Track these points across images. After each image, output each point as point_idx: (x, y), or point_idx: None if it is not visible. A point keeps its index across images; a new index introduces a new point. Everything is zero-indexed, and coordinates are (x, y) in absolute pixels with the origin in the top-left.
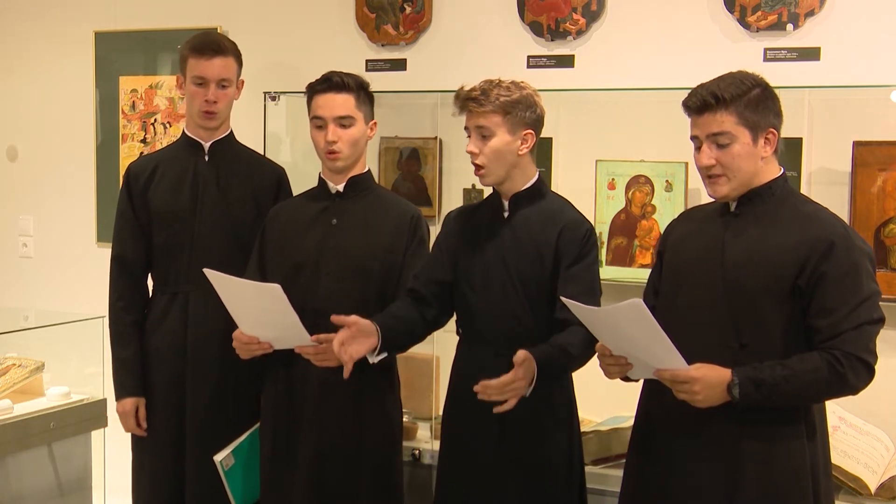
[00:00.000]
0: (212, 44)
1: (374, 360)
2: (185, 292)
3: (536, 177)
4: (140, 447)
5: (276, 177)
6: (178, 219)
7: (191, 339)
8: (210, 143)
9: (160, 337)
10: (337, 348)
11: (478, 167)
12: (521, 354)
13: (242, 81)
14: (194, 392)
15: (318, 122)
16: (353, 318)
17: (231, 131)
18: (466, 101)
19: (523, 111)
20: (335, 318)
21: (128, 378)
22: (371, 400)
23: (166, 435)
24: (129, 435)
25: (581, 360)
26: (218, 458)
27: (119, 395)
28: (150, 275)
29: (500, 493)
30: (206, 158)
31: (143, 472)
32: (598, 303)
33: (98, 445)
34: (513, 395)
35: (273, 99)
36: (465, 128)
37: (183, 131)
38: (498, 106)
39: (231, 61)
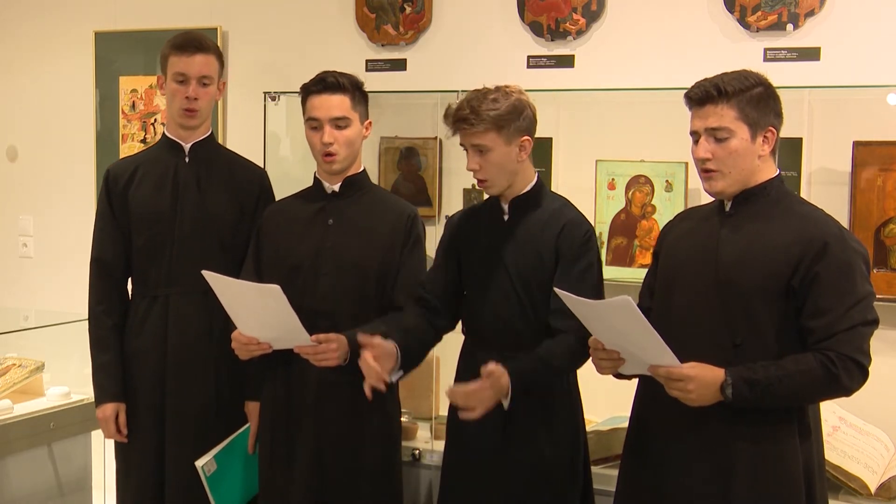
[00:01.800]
0: (193, 41)
1: (393, 378)
2: (166, 295)
3: (536, 179)
4: (123, 452)
5: (258, 178)
6: (159, 220)
7: (171, 342)
8: (191, 144)
9: (141, 341)
10: (377, 368)
11: (481, 181)
12: (489, 367)
13: (224, 83)
14: (176, 396)
15: (313, 124)
16: (378, 339)
17: (211, 132)
18: (457, 122)
19: (516, 120)
20: (362, 339)
21: (108, 383)
22: (370, 400)
23: (148, 440)
24: None
25: (567, 369)
26: (199, 463)
27: (99, 401)
28: (130, 278)
29: (504, 492)
30: (187, 160)
31: (128, 478)
32: None
33: (98, 445)
34: (478, 406)
35: (273, 99)
36: (462, 144)
37: (163, 133)
38: (490, 123)
39: (212, 59)
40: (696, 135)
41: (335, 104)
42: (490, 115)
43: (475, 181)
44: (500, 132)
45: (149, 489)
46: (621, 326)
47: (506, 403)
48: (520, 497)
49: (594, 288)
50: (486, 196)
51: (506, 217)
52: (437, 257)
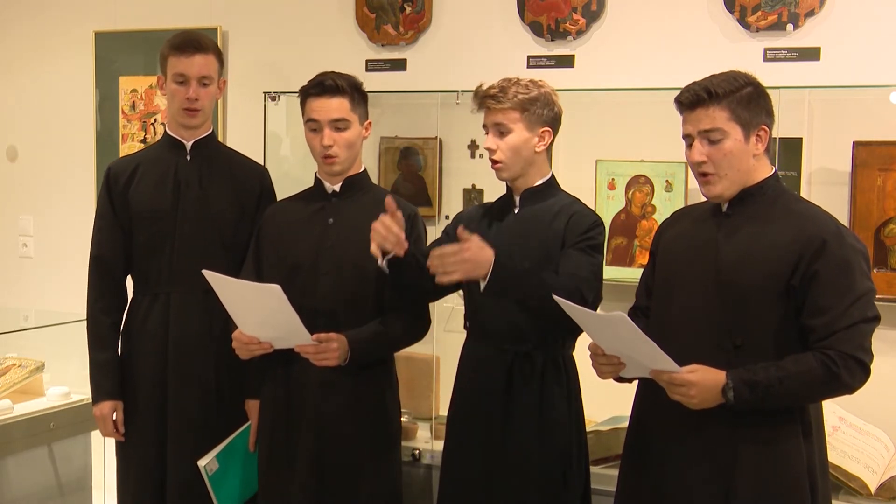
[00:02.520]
0: (192, 41)
1: (382, 262)
2: (167, 293)
3: (549, 175)
4: (123, 451)
5: (259, 176)
6: (160, 218)
7: (172, 341)
8: (192, 142)
9: (141, 339)
10: (398, 234)
11: (494, 162)
12: (469, 234)
13: (224, 81)
14: (176, 395)
15: (312, 126)
16: (400, 214)
17: (213, 130)
18: (485, 98)
19: (541, 109)
20: (388, 201)
21: (105, 381)
22: (370, 400)
23: (149, 438)
24: None
25: (556, 287)
26: (202, 462)
27: (96, 399)
28: (130, 276)
29: (503, 491)
30: (188, 158)
31: (128, 477)
32: (589, 284)
33: (98, 445)
34: (455, 269)
35: (273, 99)
36: (484, 125)
37: (164, 131)
38: (516, 103)
39: (212, 59)
40: (689, 138)
41: (334, 107)
42: (518, 97)
43: (475, 182)
44: (523, 115)
45: (149, 488)
46: (620, 336)
47: (482, 285)
48: (519, 496)
49: (594, 262)
50: (485, 196)
51: (516, 210)
52: (440, 236)
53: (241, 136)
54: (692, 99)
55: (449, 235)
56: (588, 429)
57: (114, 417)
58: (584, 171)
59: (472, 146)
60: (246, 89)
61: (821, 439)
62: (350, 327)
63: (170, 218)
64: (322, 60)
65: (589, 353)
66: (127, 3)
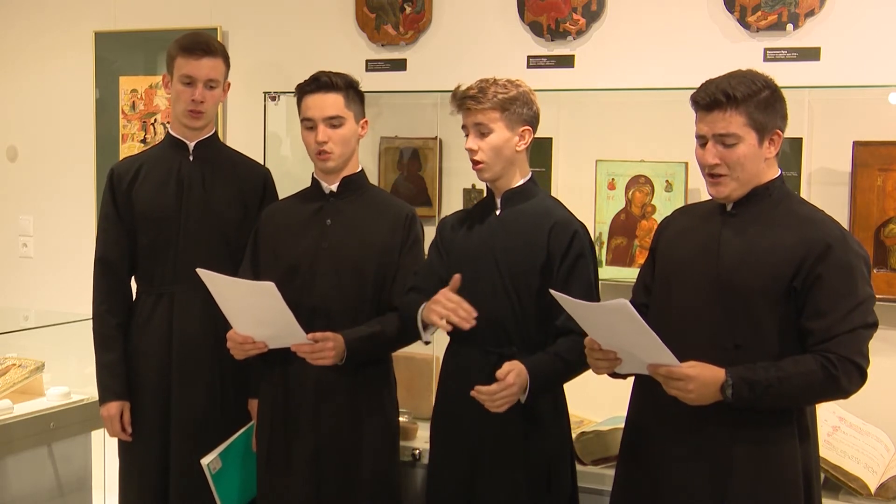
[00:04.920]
0: (201, 44)
1: (428, 337)
2: (171, 293)
3: (529, 176)
4: (127, 451)
5: (262, 176)
6: (163, 218)
7: (176, 340)
8: (195, 142)
9: (146, 339)
10: (465, 303)
11: (476, 163)
12: (505, 367)
13: (229, 84)
14: (181, 394)
15: (308, 124)
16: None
17: (215, 131)
18: (464, 99)
19: (520, 108)
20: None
21: (112, 381)
22: (368, 400)
23: (153, 438)
24: None
25: (580, 365)
26: (205, 461)
27: (103, 399)
28: (134, 277)
29: (487, 489)
30: (191, 158)
31: (131, 476)
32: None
33: (98, 445)
34: (503, 403)
35: (273, 99)
36: (463, 126)
37: (167, 131)
38: (496, 103)
39: (219, 62)
40: (702, 139)
41: (329, 103)
42: (497, 97)
43: (475, 182)
44: (503, 114)
45: (152, 487)
46: (618, 328)
47: (523, 398)
48: (504, 499)
49: (587, 287)
50: (485, 195)
51: (498, 211)
52: (429, 255)
53: (241, 136)
54: (709, 101)
55: (438, 248)
56: (588, 429)
57: (121, 418)
58: (584, 171)
59: None
60: (246, 89)
61: (815, 442)
62: (347, 327)
63: (173, 218)
64: (322, 60)
65: (585, 348)
66: (127, 3)
